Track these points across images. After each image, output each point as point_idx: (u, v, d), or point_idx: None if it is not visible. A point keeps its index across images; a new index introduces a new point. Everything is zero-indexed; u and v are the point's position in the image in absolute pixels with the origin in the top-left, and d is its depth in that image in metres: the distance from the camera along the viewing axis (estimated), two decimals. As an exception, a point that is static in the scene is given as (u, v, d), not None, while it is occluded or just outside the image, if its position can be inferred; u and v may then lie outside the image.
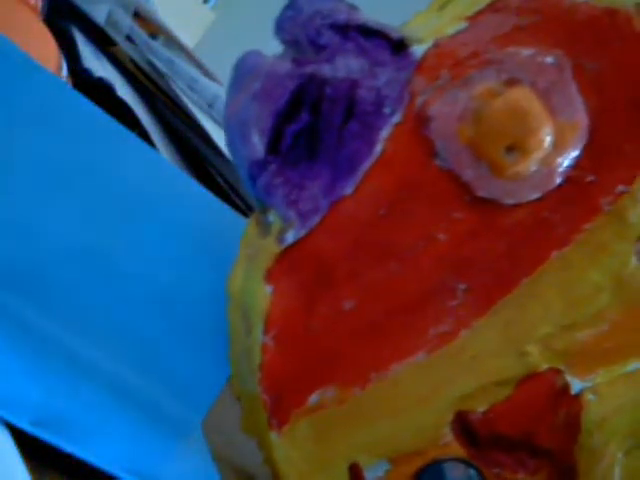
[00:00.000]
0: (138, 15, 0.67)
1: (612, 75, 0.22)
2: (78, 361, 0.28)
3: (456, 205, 0.23)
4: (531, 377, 0.24)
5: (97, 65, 0.57)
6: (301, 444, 0.25)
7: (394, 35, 0.23)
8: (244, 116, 0.23)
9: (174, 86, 0.63)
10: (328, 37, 0.23)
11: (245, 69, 0.24)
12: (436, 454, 0.24)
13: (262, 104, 0.23)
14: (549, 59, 0.22)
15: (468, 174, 0.23)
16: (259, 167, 0.23)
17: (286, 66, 0.23)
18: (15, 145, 0.33)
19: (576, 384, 0.24)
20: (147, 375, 0.29)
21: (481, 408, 0.24)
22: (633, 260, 0.23)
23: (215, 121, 0.62)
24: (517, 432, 0.24)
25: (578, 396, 0.24)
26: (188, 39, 0.74)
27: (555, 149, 0.23)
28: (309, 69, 0.23)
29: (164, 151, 0.57)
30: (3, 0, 0.47)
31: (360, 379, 0.24)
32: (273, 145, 0.23)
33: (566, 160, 0.23)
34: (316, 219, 0.24)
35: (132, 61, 0.63)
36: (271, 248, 0.24)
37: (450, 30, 0.23)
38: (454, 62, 0.23)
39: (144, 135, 0.55)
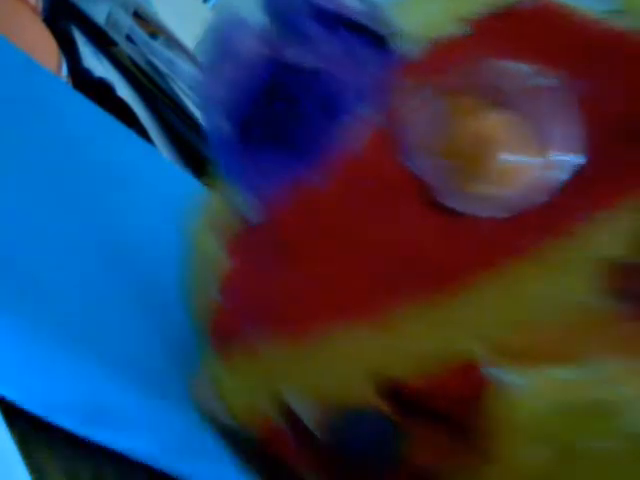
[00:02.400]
0: (138, 15, 0.67)
1: (618, 104, 0.22)
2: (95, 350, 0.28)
3: (417, 206, 0.23)
4: (466, 364, 0.24)
5: (97, 65, 0.57)
6: (238, 373, 0.27)
7: (382, 31, 0.22)
8: (213, 97, 0.23)
9: (174, 86, 0.63)
10: (313, 26, 0.23)
11: (219, 43, 0.24)
12: (363, 407, 0.25)
13: (235, 89, 0.23)
14: (549, 81, 0.21)
15: (432, 180, 0.23)
16: (227, 149, 0.24)
17: (264, 52, 0.23)
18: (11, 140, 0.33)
19: (506, 378, 0.24)
20: (151, 350, 0.30)
21: (410, 380, 0.25)
22: (591, 283, 0.23)
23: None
24: (443, 408, 0.25)
25: (505, 390, 0.24)
26: (188, 39, 0.74)
27: (531, 176, 0.22)
28: (287, 57, 0.23)
29: (164, 150, 0.57)
30: (3, 0, 0.47)
31: (297, 332, 0.25)
32: (243, 130, 0.23)
33: (545, 186, 0.22)
34: (278, 203, 0.24)
35: (132, 61, 0.63)
36: (232, 222, 0.25)
37: (449, 30, 0.23)
38: (442, 68, 0.23)
39: (144, 134, 0.55)
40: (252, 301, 0.26)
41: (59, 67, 0.48)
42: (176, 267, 0.29)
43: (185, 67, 0.65)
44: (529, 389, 0.24)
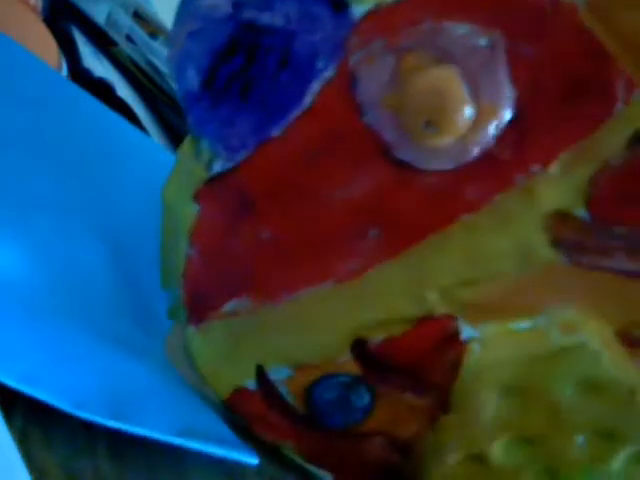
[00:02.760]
0: (138, 15, 0.67)
1: (546, 63, 0.24)
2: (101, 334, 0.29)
3: (376, 161, 0.25)
4: (428, 319, 0.26)
5: (97, 65, 0.57)
6: (214, 341, 0.28)
7: None
8: (183, 52, 0.25)
9: (174, 86, 0.63)
10: None
11: (187, 4, 0.25)
12: (334, 369, 0.27)
13: (199, 43, 0.24)
14: (483, 40, 0.24)
15: (388, 136, 0.25)
16: (193, 100, 0.25)
17: (225, 9, 0.24)
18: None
19: (466, 331, 0.26)
20: (142, 325, 0.31)
21: (378, 338, 0.26)
22: (538, 234, 0.25)
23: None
24: (408, 364, 0.27)
25: (465, 343, 0.26)
26: (188, 39, 0.74)
27: (474, 128, 0.24)
28: (247, 15, 0.24)
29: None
30: (3, 0, 0.47)
31: (272, 296, 0.27)
32: (208, 83, 0.25)
33: (484, 138, 0.24)
34: (242, 154, 0.26)
35: (132, 61, 0.63)
36: (200, 173, 0.26)
37: None
38: (391, 29, 0.24)
39: (144, 135, 0.55)
40: (221, 260, 0.27)
41: (59, 67, 0.48)
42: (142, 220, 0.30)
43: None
44: (488, 341, 0.26)
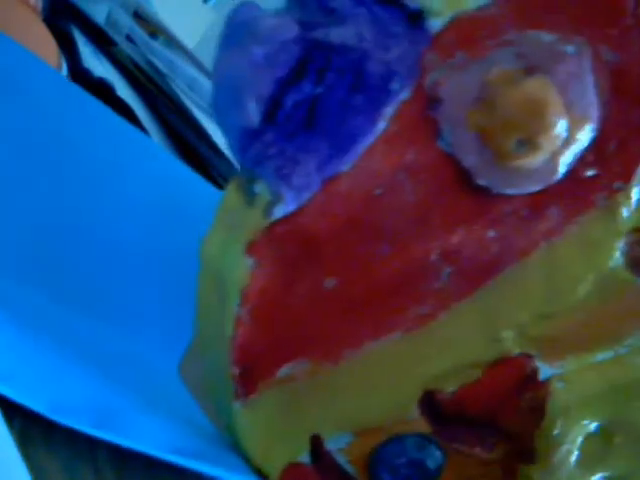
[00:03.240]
0: (138, 15, 0.67)
1: (630, 69, 0.22)
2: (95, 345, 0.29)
3: (453, 190, 0.23)
4: (502, 361, 0.24)
5: (97, 65, 0.57)
6: (265, 414, 0.25)
7: (411, 5, 0.22)
8: (241, 81, 0.22)
9: (174, 86, 0.63)
10: (339, 0, 0.22)
11: (241, 24, 0.22)
12: (400, 429, 0.24)
13: (263, 70, 0.22)
14: (570, 48, 0.22)
15: (470, 160, 0.22)
16: (252, 136, 0.22)
17: (292, 29, 0.21)
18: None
19: (545, 370, 0.24)
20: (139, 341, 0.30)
21: (450, 389, 0.24)
22: (617, 256, 0.23)
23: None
24: (482, 413, 0.24)
25: (546, 382, 0.24)
26: (188, 39, 0.74)
27: (566, 143, 0.22)
28: (317, 34, 0.21)
29: (164, 151, 0.57)
30: (3, 0, 0.47)
31: (333, 355, 0.24)
32: (270, 114, 0.22)
33: (574, 155, 0.22)
34: (308, 195, 0.23)
35: (132, 61, 0.63)
36: (256, 220, 0.23)
37: (471, 4, 0.22)
38: (472, 41, 0.22)
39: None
40: (277, 319, 0.24)
41: (59, 67, 0.48)
42: (175, 262, 0.29)
43: (185, 67, 0.65)
44: (571, 378, 0.24)
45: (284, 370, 0.24)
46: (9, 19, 0.46)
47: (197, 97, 0.64)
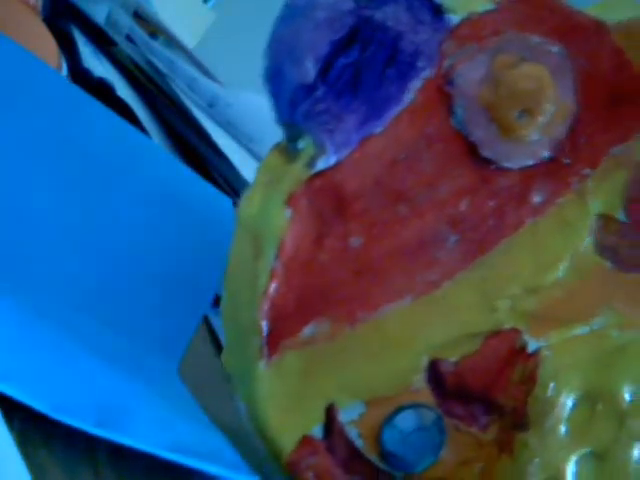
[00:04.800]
0: (138, 15, 0.67)
1: (594, 75, 0.26)
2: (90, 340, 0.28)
3: (461, 162, 0.26)
4: (497, 333, 0.27)
5: (97, 65, 0.57)
6: (286, 377, 0.26)
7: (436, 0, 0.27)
8: (302, 41, 0.25)
9: (174, 86, 0.63)
10: None
11: (302, 2, 0.26)
12: (407, 399, 0.26)
13: (322, 32, 0.25)
14: (554, 48, 0.26)
15: (478, 134, 0.26)
16: (306, 91, 0.25)
17: (349, 3, 0.26)
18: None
19: (532, 343, 0.27)
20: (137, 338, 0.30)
21: (453, 358, 0.27)
22: (588, 238, 0.27)
23: (215, 121, 0.62)
24: (479, 385, 0.27)
25: (534, 354, 0.26)
26: (188, 39, 0.74)
27: (553, 123, 0.26)
28: (366, 11, 0.26)
29: (164, 151, 0.57)
30: (3, 0, 0.47)
31: (351, 316, 0.26)
32: (324, 72, 0.26)
33: (556, 133, 0.26)
34: (346, 151, 0.26)
35: (132, 61, 0.63)
36: (298, 173, 0.26)
37: (480, 8, 0.27)
38: (480, 35, 0.27)
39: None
40: (306, 273, 0.26)
41: (59, 67, 0.48)
42: (146, 230, 0.29)
43: (185, 67, 0.65)
44: (557, 348, 0.26)
45: (307, 330, 0.26)
46: (9, 19, 0.46)
47: (197, 97, 0.64)
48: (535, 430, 0.26)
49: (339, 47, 0.26)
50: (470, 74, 0.26)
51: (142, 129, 0.55)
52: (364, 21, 0.26)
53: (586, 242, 0.27)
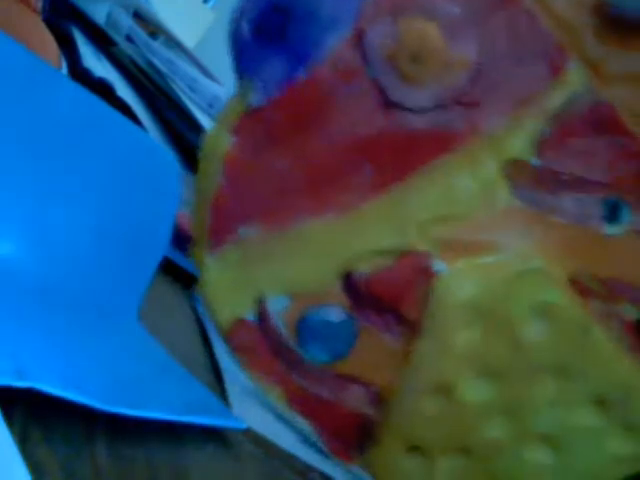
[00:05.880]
0: (138, 15, 0.67)
1: (499, 32, 0.29)
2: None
3: (377, 105, 0.30)
4: (407, 254, 0.30)
5: (97, 65, 0.58)
6: (226, 267, 0.32)
7: None
8: (239, 9, 0.31)
9: (174, 86, 0.63)
10: None
11: None
12: (325, 299, 0.31)
13: (253, 2, 0.31)
14: (456, 9, 0.29)
15: (385, 80, 0.30)
16: (245, 45, 0.31)
17: None
18: None
19: (439, 266, 0.30)
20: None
21: (365, 270, 0.31)
22: (501, 179, 0.30)
23: (215, 121, 0.62)
24: (389, 298, 0.31)
25: (438, 275, 0.30)
26: (188, 39, 0.74)
27: (448, 70, 0.29)
28: None
29: (164, 151, 0.57)
30: (3, 0, 0.47)
31: (280, 224, 0.31)
32: (256, 30, 0.31)
33: (455, 82, 0.29)
34: (274, 92, 0.31)
35: (132, 61, 0.63)
36: (239, 108, 0.31)
37: None
38: (393, 5, 0.30)
39: (144, 135, 0.55)
40: (244, 187, 0.31)
41: (59, 67, 0.48)
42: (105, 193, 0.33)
43: (185, 67, 0.65)
44: (455, 272, 0.30)
45: (244, 229, 0.31)
46: (9, 19, 0.47)
47: (197, 97, 0.64)
48: (427, 339, 0.30)
49: (265, 10, 0.31)
50: (378, 31, 0.30)
51: (142, 129, 0.55)
52: None
53: (499, 181, 0.30)
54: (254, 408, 0.33)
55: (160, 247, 0.35)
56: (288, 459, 0.32)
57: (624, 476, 0.31)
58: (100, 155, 0.36)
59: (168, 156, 0.40)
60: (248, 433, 0.31)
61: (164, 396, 0.28)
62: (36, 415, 0.25)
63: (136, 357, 0.30)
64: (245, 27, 0.31)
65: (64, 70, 0.49)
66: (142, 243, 0.35)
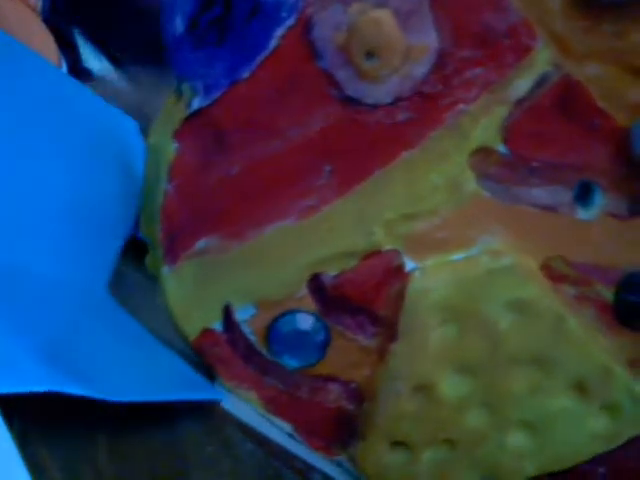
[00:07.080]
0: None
1: (464, 14, 0.28)
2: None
3: (329, 100, 0.28)
4: (375, 253, 0.30)
5: (97, 65, 0.57)
6: (185, 282, 0.30)
7: None
8: (171, 3, 0.29)
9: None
10: None
11: None
12: (292, 305, 0.30)
13: None
14: None
15: (340, 74, 0.28)
16: (178, 43, 0.29)
17: None
18: None
19: (409, 264, 0.30)
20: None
21: (332, 272, 0.30)
22: (466, 169, 0.29)
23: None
24: (360, 298, 0.30)
25: (409, 273, 0.30)
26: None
27: (406, 62, 0.28)
28: None
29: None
30: (3, 0, 0.47)
31: (239, 234, 0.30)
32: (191, 28, 0.29)
33: (415, 73, 0.28)
34: (217, 93, 0.29)
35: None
36: (180, 112, 0.29)
37: None
38: None
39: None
40: (195, 196, 0.30)
41: (59, 67, 0.48)
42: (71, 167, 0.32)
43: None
44: (427, 270, 0.30)
45: (200, 243, 0.30)
46: (9, 19, 0.47)
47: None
48: (403, 341, 0.30)
49: (202, 6, 0.29)
50: (326, 20, 0.28)
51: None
52: None
53: (465, 173, 0.29)
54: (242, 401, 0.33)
55: (128, 219, 0.35)
56: (288, 459, 0.32)
57: (602, 451, 0.31)
58: (62, 125, 0.35)
59: (129, 122, 0.39)
60: (248, 433, 0.31)
61: (144, 374, 0.28)
62: (36, 415, 0.25)
63: (108, 331, 0.30)
64: (179, 23, 0.29)
65: (64, 70, 0.49)
66: (109, 215, 0.34)
